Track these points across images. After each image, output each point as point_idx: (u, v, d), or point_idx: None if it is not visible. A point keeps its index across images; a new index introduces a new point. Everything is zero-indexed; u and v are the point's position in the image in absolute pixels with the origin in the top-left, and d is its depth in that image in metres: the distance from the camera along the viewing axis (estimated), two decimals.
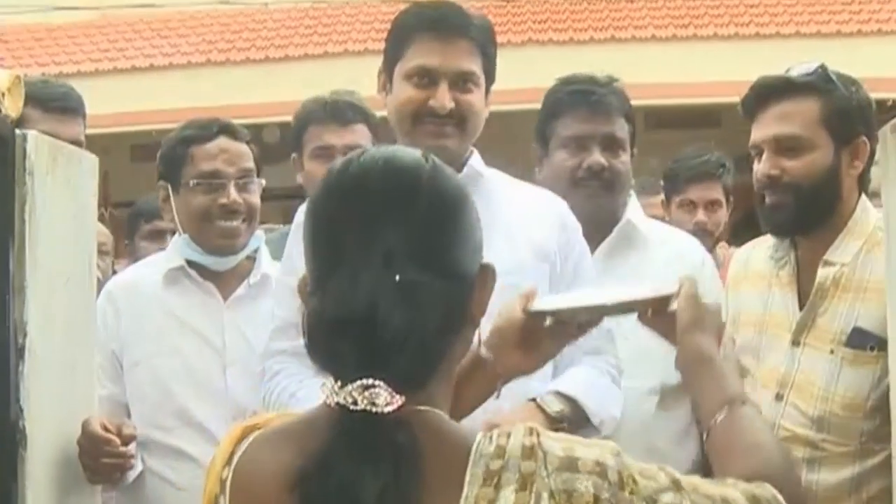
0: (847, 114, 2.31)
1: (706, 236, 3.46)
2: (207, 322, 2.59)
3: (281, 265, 2.42)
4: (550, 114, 2.74)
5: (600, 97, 2.67)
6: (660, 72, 9.08)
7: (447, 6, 2.28)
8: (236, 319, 2.60)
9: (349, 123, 3.12)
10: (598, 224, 2.67)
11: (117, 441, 2.20)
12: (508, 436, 1.16)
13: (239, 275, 2.67)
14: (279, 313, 2.31)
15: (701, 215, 3.53)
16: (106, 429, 2.21)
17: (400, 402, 1.14)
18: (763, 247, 2.54)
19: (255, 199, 2.63)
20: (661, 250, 2.73)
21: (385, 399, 1.14)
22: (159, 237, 3.76)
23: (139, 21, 10.56)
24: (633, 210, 2.78)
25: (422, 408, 1.18)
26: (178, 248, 2.66)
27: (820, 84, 2.33)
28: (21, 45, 10.63)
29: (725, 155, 3.87)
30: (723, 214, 3.75)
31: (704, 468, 2.54)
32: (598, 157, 2.66)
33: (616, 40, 10.02)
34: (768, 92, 2.37)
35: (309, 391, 2.13)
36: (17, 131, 1.97)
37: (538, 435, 1.16)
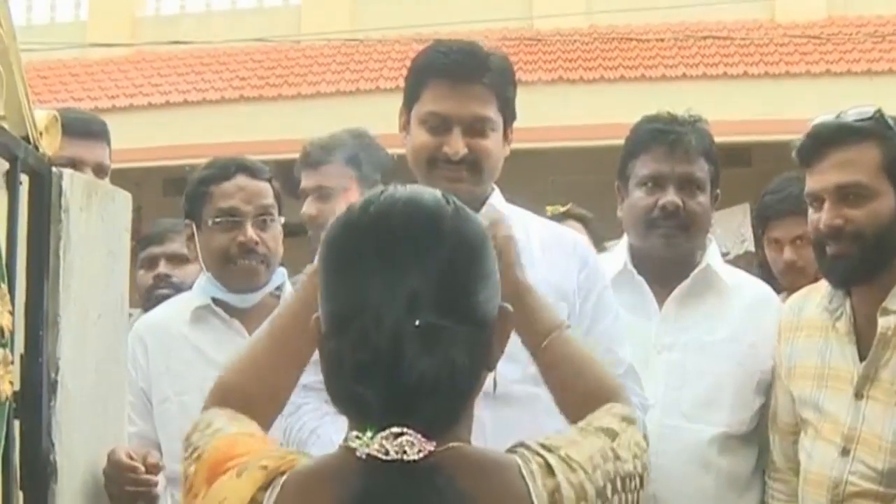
0: None
1: (799, 274, 3.32)
2: None
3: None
4: (630, 152, 2.72)
5: (678, 136, 2.63)
6: (690, 110, 9.09)
7: (464, 50, 2.28)
8: None
9: (319, 165, 3.18)
10: (674, 266, 2.67)
11: (142, 468, 2.22)
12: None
13: (264, 311, 2.65)
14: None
15: (788, 254, 3.39)
16: (131, 457, 2.23)
17: (431, 449, 1.14)
18: (816, 296, 2.48)
19: (275, 236, 2.67)
20: (737, 298, 2.69)
21: (417, 447, 1.13)
22: (152, 264, 3.73)
23: (173, 57, 10.69)
24: (713, 255, 2.74)
25: (452, 444, 1.18)
26: (202, 287, 2.71)
27: (878, 129, 2.29)
28: (58, 80, 10.79)
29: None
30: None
31: None
32: (673, 196, 2.62)
33: (646, 79, 10.04)
34: (826, 139, 2.32)
35: (328, 428, 2.17)
36: (54, 169, 2.01)
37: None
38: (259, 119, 9.87)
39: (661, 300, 2.67)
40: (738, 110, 9.24)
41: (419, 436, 1.13)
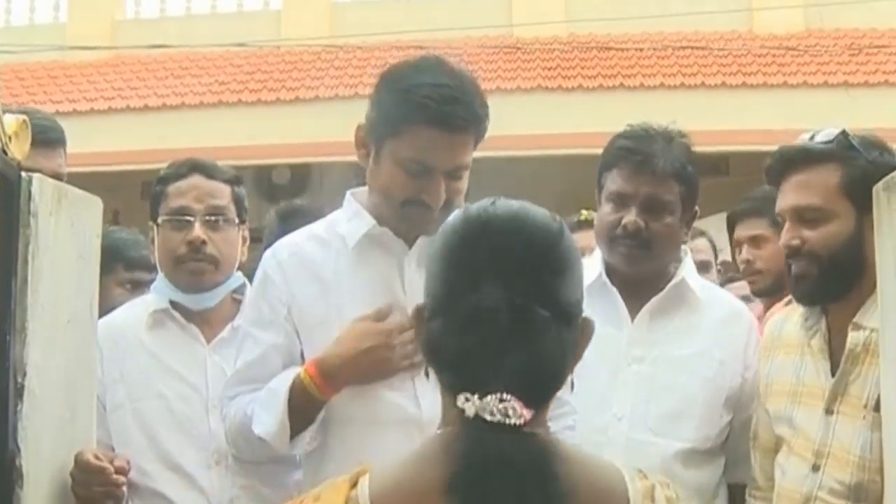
0: (870, 180, 2.20)
1: (760, 276, 3.38)
2: (191, 365, 2.61)
3: (246, 316, 2.45)
4: (603, 164, 2.69)
5: (646, 157, 2.58)
6: (668, 120, 9.13)
7: (454, 97, 2.19)
8: (220, 363, 2.61)
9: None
10: (642, 282, 2.65)
11: (110, 469, 2.22)
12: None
13: (223, 317, 2.69)
14: (238, 363, 2.38)
15: (745, 253, 3.43)
16: (98, 458, 2.23)
17: (528, 417, 1.27)
18: (796, 314, 2.50)
19: (227, 238, 2.64)
20: (709, 314, 2.68)
21: (519, 413, 1.26)
22: (136, 288, 3.68)
23: (153, 61, 10.68)
24: (688, 268, 2.72)
25: (538, 430, 1.32)
26: (158, 289, 2.70)
27: (840, 152, 2.31)
28: (36, 83, 10.75)
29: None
30: (773, 250, 3.43)
31: None
32: (634, 217, 2.58)
33: (625, 88, 10.10)
34: (789, 161, 2.36)
35: (258, 408, 2.28)
36: (23, 174, 2.01)
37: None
38: (238, 124, 9.86)
39: (633, 311, 2.66)
40: (716, 120, 9.29)
41: (520, 403, 1.26)
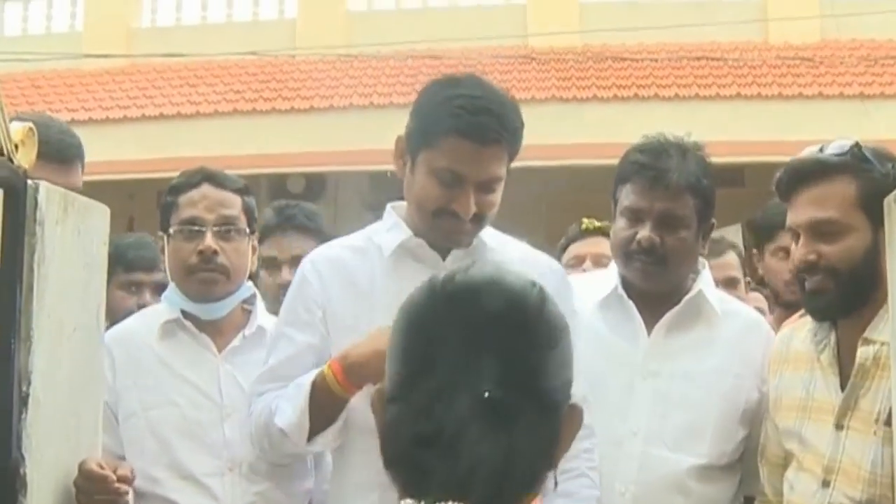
0: (884, 192, 2.17)
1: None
2: (203, 374, 2.62)
3: (282, 317, 2.48)
4: (618, 177, 2.67)
5: (660, 172, 2.56)
6: (683, 131, 9.12)
7: (487, 108, 2.25)
8: (232, 371, 2.63)
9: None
10: (659, 295, 2.63)
11: (113, 478, 2.21)
12: None
13: (234, 326, 2.69)
14: (271, 361, 2.43)
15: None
16: (102, 467, 2.22)
17: None
18: (804, 329, 2.48)
19: (237, 248, 2.64)
20: (726, 328, 2.66)
21: None
22: (137, 290, 3.65)
23: (168, 69, 10.72)
24: (705, 281, 2.69)
25: None
26: (169, 298, 2.70)
27: (854, 164, 2.27)
28: (52, 91, 10.81)
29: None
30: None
31: None
32: (649, 232, 2.57)
33: (639, 98, 10.09)
34: (802, 174, 2.32)
35: (282, 403, 2.32)
36: (30, 182, 2.01)
37: None
38: (253, 132, 9.89)
39: (649, 325, 2.64)
40: (731, 131, 9.27)
41: None
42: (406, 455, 1.14)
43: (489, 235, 2.42)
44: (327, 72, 10.73)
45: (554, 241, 3.78)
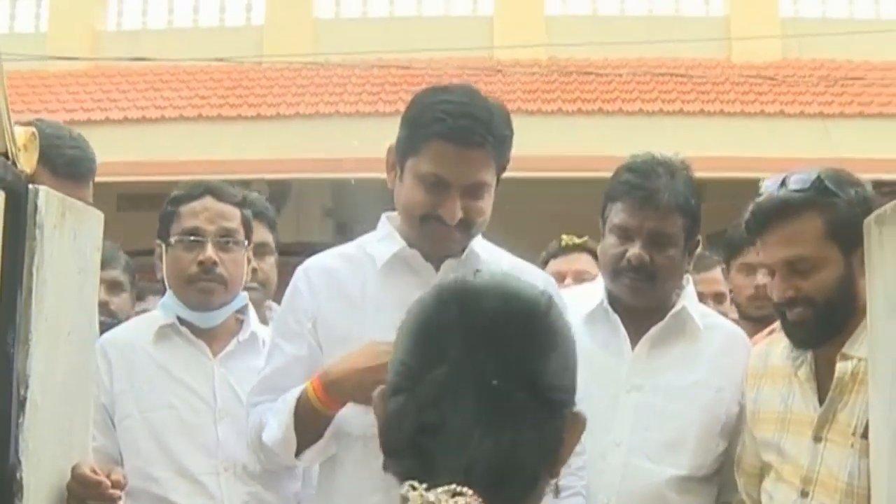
0: (850, 220, 2.27)
1: (767, 300, 3.43)
2: (199, 377, 2.67)
3: (274, 327, 2.50)
4: (608, 196, 2.71)
5: (651, 193, 2.60)
6: (646, 145, 9.22)
7: (471, 114, 2.24)
8: (226, 375, 2.68)
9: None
10: (645, 310, 2.67)
11: (108, 483, 2.22)
12: None
13: (228, 332, 2.76)
14: (265, 371, 2.44)
15: (761, 278, 3.43)
16: (95, 472, 2.23)
17: None
18: (780, 345, 2.54)
19: (235, 259, 2.69)
20: (708, 342, 2.71)
21: None
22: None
23: (133, 73, 10.66)
24: (689, 297, 2.74)
25: None
26: (166, 305, 2.75)
27: (818, 198, 2.32)
28: (15, 92, 10.66)
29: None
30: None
31: None
32: (639, 251, 2.60)
33: (603, 112, 10.17)
34: (769, 215, 2.37)
35: (270, 417, 2.33)
36: (30, 186, 2.01)
37: None
38: (218, 138, 9.85)
39: (634, 339, 2.68)
40: (693, 147, 9.36)
41: (479, 500, 1.10)
42: (410, 443, 1.15)
43: (481, 247, 2.41)
44: (294, 79, 10.72)
45: (514, 250, 3.83)
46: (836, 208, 2.32)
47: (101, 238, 2.40)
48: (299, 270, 2.48)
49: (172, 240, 2.69)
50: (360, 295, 2.38)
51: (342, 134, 9.46)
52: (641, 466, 2.59)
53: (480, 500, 1.10)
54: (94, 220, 2.36)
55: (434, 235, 2.30)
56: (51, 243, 2.06)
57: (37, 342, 2.01)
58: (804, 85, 10.36)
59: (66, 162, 2.55)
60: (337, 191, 10.13)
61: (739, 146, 9.42)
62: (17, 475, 1.96)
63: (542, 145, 9.80)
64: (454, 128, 2.22)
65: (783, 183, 2.38)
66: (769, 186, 2.42)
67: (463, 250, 2.38)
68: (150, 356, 2.67)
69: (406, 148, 2.30)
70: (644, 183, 2.60)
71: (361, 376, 2.20)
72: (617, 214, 2.64)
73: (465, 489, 1.09)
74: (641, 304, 2.67)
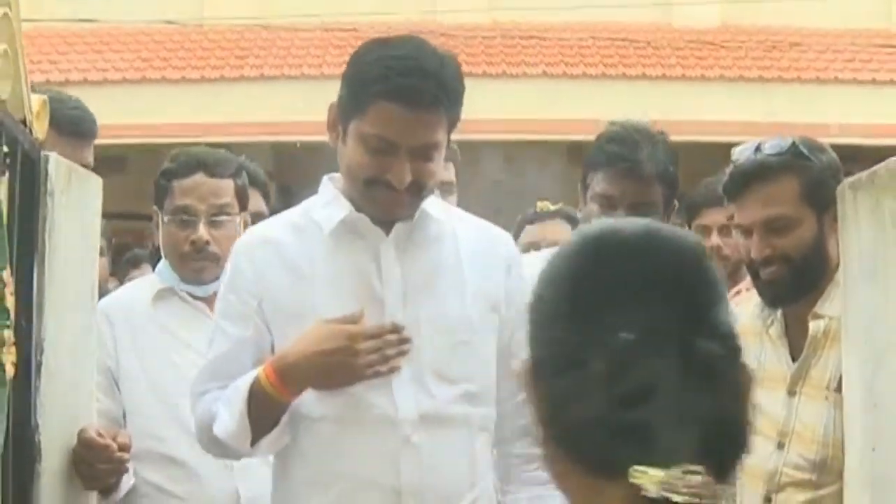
0: (822, 183, 2.42)
1: (723, 261, 3.45)
2: (200, 336, 2.63)
3: (217, 308, 2.32)
4: (590, 164, 2.77)
5: (634, 164, 2.66)
6: (588, 108, 9.33)
7: (420, 69, 2.07)
8: None
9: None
10: None
11: (114, 447, 2.27)
12: None
13: None
14: (209, 357, 2.27)
15: (715, 239, 3.56)
16: (101, 436, 2.27)
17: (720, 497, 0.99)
18: (749, 304, 2.64)
19: (229, 235, 2.67)
20: None
21: (712, 490, 0.97)
22: None
23: (73, 35, 10.49)
24: None
25: None
26: (162, 272, 2.76)
27: (794, 162, 2.45)
28: None
29: None
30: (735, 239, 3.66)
31: None
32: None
33: (548, 76, 10.26)
34: (748, 175, 2.48)
35: (221, 407, 2.14)
36: (42, 153, 2.03)
37: None
38: (161, 101, 9.76)
39: None
40: (635, 110, 9.47)
41: (711, 477, 0.97)
42: (610, 422, 0.99)
43: (433, 205, 2.24)
44: (237, 42, 10.63)
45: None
46: (810, 171, 2.44)
47: (101, 203, 2.43)
48: (238, 245, 2.31)
49: (165, 218, 2.69)
50: (309, 266, 2.21)
51: (287, 96, 9.44)
52: None
53: (711, 477, 0.98)
54: (95, 185, 2.39)
55: (382, 201, 2.14)
56: (59, 209, 2.10)
57: (49, 308, 2.05)
58: (743, 50, 10.53)
59: (69, 121, 2.63)
60: (278, 154, 10.09)
61: (681, 110, 9.56)
62: (37, 439, 2.00)
63: (486, 108, 9.88)
64: (401, 87, 2.05)
65: (758, 148, 2.50)
66: (743, 152, 2.53)
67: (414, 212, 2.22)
68: (151, 317, 2.68)
69: (349, 108, 2.13)
70: (627, 153, 2.67)
71: (319, 360, 2.08)
72: (599, 183, 2.71)
73: (696, 467, 0.97)
74: None
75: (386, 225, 2.20)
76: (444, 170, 3.01)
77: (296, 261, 2.21)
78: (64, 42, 10.40)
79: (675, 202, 2.79)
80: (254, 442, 2.13)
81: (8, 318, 1.68)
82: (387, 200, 2.14)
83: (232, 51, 10.45)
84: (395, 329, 2.12)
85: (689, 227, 3.87)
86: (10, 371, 1.69)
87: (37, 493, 1.99)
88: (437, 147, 2.12)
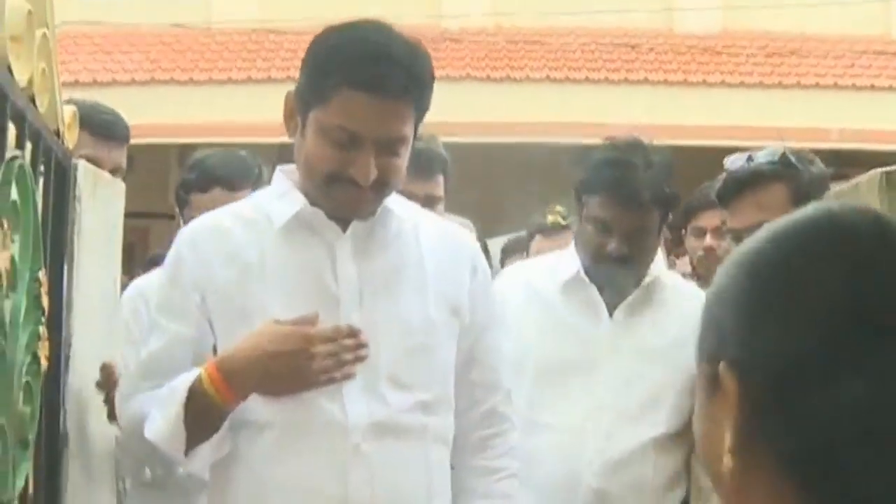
0: (811, 191, 2.54)
1: (716, 262, 3.58)
2: None
3: (155, 302, 2.19)
4: (586, 186, 2.75)
5: (631, 192, 2.63)
6: (593, 112, 9.44)
7: (388, 55, 1.93)
8: None
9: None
10: (622, 287, 2.76)
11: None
12: None
13: None
14: (142, 355, 2.13)
15: (709, 240, 3.66)
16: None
17: None
18: None
19: None
20: (679, 305, 2.80)
21: None
22: None
23: (82, 36, 10.60)
24: (659, 264, 2.84)
25: None
26: None
27: (785, 171, 2.59)
28: None
29: None
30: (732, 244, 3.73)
31: None
32: (621, 245, 2.66)
33: (551, 80, 10.37)
34: (742, 182, 2.62)
35: (153, 409, 2.00)
36: (72, 160, 2.16)
37: None
38: (170, 102, 9.88)
39: (610, 307, 2.78)
40: (637, 115, 9.61)
41: None
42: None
43: (393, 201, 2.11)
44: (244, 44, 10.75)
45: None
46: (800, 180, 2.58)
47: (123, 208, 2.56)
48: (183, 233, 2.15)
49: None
50: (258, 261, 2.06)
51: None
52: (625, 427, 2.70)
53: None
54: (119, 189, 2.51)
55: (343, 198, 2.00)
56: (86, 213, 2.20)
57: (78, 307, 2.15)
58: (744, 56, 10.65)
59: (104, 125, 2.77)
60: (286, 155, 10.21)
61: (682, 115, 9.70)
62: (63, 426, 2.11)
63: (490, 112, 10.00)
64: (366, 76, 1.91)
65: (750, 157, 2.64)
66: (736, 161, 2.67)
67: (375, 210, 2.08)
68: None
69: (309, 97, 1.98)
70: (624, 179, 2.65)
71: (269, 363, 1.95)
72: (596, 207, 2.70)
73: None
74: (621, 285, 2.75)
75: (342, 221, 2.07)
76: (435, 184, 3.03)
77: (244, 255, 2.06)
78: (74, 43, 10.50)
79: (670, 214, 2.82)
80: (189, 449, 1.97)
81: (43, 315, 1.78)
82: (348, 198, 2.00)
83: (239, 53, 10.57)
84: (352, 333, 1.98)
85: (686, 229, 4.02)
86: (44, 364, 1.79)
87: (65, 475, 2.09)
88: (403, 141, 2.00)
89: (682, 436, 2.82)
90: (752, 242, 0.97)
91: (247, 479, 2.02)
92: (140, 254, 7.56)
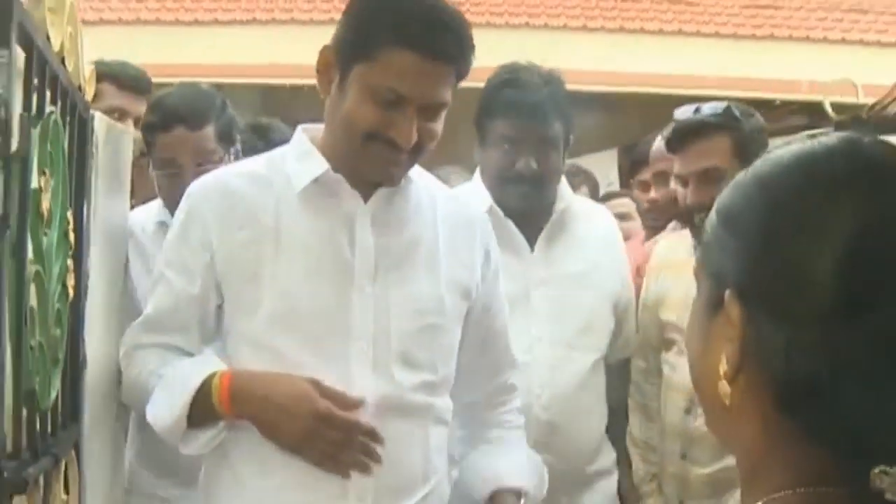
0: (750, 143, 2.80)
1: (660, 212, 3.69)
2: None
3: (163, 254, 2.18)
4: (487, 108, 2.80)
5: (534, 103, 2.70)
6: (571, 59, 9.56)
7: (442, 20, 1.92)
8: None
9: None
10: (533, 215, 2.86)
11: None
12: None
13: None
14: (149, 308, 2.16)
15: (654, 193, 3.82)
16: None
17: None
18: (685, 241, 3.01)
19: None
20: (593, 230, 2.96)
21: None
22: None
23: None
24: (566, 191, 2.92)
25: None
26: (160, 210, 2.85)
27: (729, 122, 2.83)
28: None
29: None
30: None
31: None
32: (529, 161, 2.73)
33: (530, 27, 10.47)
34: (689, 131, 2.86)
35: (160, 393, 2.04)
36: (90, 112, 2.25)
37: None
38: (156, 42, 9.91)
39: (528, 238, 2.85)
40: (611, 63, 9.75)
41: None
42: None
43: (414, 171, 2.11)
44: None
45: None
46: (742, 132, 2.84)
47: (132, 156, 2.70)
48: (194, 189, 2.12)
49: (152, 172, 2.79)
50: (272, 223, 2.03)
51: (281, 41, 9.62)
52: (564, 356, 2.83)
53: None
54: (127, 139, 2.66)
55: (379, 158, 1.97)
56: (101, 161, 2.32)
57: (92, 248, 2.24)
58: (720, 6, 10.77)
59: (131, 78, 3.04)
60: (266, 96, 10.27)
61: (656, 63, 9.82)
62: (83, 350, 2.18)
63: (487, 57, 10.01)
64: (424, 36, 1.89)
65: (697, 109, 2.90)
66: (684, 112, 2.93)
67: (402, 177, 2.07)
68: (155, 244, 2.66)
69: (354, 52, 1.94)
70: (527, 96, 2.73)
71: (275, 414, 1.96)
72: (502, 127, 2.76)
73: None
74: (531, 210, 2.82)
75: (364, 190, 2.05)
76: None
77: (257, 215, 2.03)
78: None
79: (571, 136, 2.88)
80: (186, 435, 2.02)
81: (71, 249, 1.92)
82: (385, 159, 1.97)
83: None
84: (370, 433, 1.98)
85: (633, 181, 4.24)
86: (70, 293, 1.94)
87: (83, 394, 2.19)
88: (445, 107, 1.98)
89: (605, 357, 3.01)
90: (773, 165, 0.93)
91: (248, 452, 2.03)
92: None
